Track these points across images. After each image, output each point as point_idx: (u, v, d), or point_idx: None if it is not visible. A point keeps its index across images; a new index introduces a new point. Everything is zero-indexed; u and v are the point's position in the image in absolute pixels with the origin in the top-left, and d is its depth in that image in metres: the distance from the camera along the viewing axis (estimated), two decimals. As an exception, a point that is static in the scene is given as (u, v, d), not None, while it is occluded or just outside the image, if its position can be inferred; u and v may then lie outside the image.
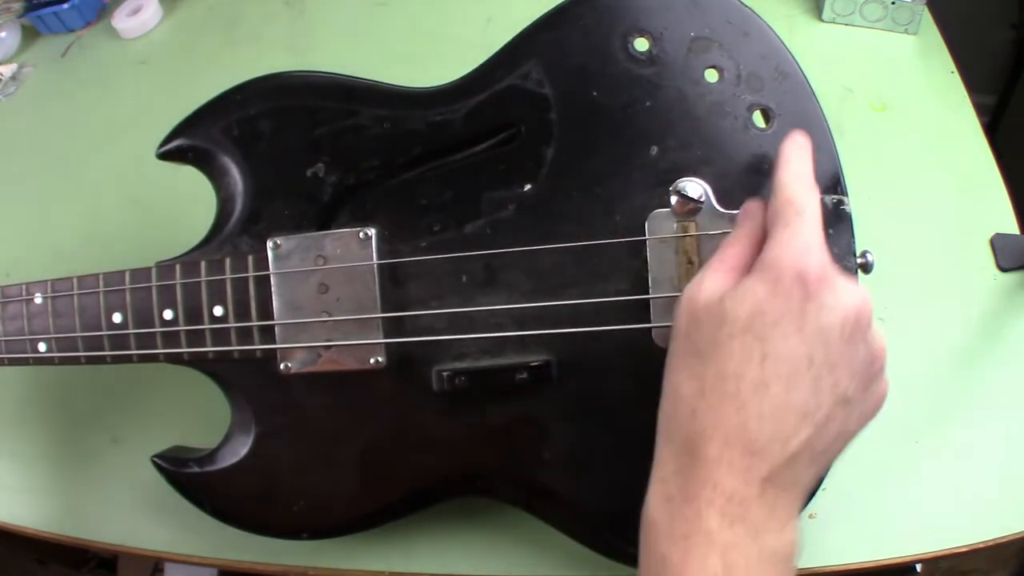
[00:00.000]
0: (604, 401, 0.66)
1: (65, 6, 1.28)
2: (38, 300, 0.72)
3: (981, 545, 0.71)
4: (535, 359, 0.65)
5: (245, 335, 0.68)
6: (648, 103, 0.64)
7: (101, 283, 0.70)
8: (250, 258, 0.68)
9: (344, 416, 0.69)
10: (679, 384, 0.51)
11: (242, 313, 0.68)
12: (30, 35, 1.33)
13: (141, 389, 0.88)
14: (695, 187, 0.62)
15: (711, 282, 0.52)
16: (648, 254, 0.63)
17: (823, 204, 0.59)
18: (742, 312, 0.48)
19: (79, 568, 1.50)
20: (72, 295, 0.71)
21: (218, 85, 0.71)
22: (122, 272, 0.70)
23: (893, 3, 1.01)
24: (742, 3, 0.64)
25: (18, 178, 1.13)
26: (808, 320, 0.47)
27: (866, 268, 0.62)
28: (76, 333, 0.71)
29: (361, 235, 0.67)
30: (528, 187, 0.66)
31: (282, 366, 0.68)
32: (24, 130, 1.20)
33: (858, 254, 0.62)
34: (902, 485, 0.74)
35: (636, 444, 0.59)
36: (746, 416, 0.47)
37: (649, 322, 0.64)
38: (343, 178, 0.68)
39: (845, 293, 0.48)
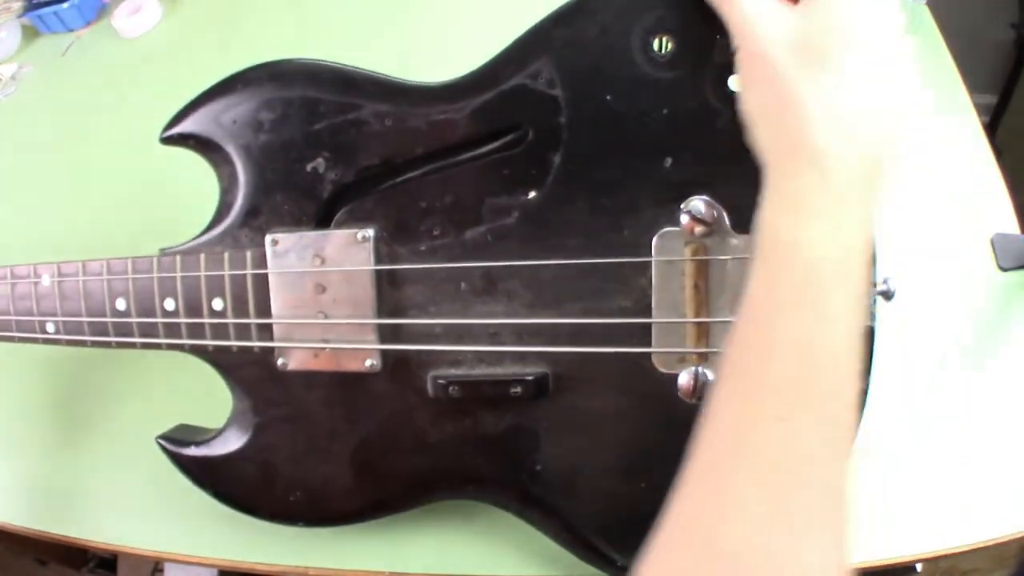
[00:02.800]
0: (600, 417, 0.58)
1: (65, 5, 1.21)
2: (45, 282, 0.66)
3: (981, 545, 0.65)
4: (531, 372, 0.57)
5: (243, 331, 0.61)
6: (665, 110, 0.53)
7: (105, 269, 0.63)
8: (248, 254, 0.60)
9: (340, 413, 0.62)
10: (793, 102, 0.43)
11: (240, 309, 0.61)
12: (30, 35, 1.26)
13: (142, 389, 0.82)
14: (709, 208, 0.52)
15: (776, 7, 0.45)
16: (653, 274, 0.54)
17: None
18: (849, 20, 0.44)
19: (79, 568, 1.45)
20: (78, 279, 0.64)
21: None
22: (125, 260, 0.63)
23: (893, 3, 0.89)
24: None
25: (19, 177, 1.07)
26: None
27: (887, 296, 0.52)
28: (82, 317, 0.65)
29: (359, 236, 0.58)
30: (532, 194, 0.56)
31: (279, 362, 0.61)
32: (24, 129, 1.12)
33: (879, 282, 0.53)
34: (902, 485, 0.68)
35: (629, 461, 0.55)
36: (861, 139, 0.43)
37: (650, 344, 0.55)
38: (343, 175, 0.59)
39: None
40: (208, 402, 0.66)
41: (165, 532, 0.73)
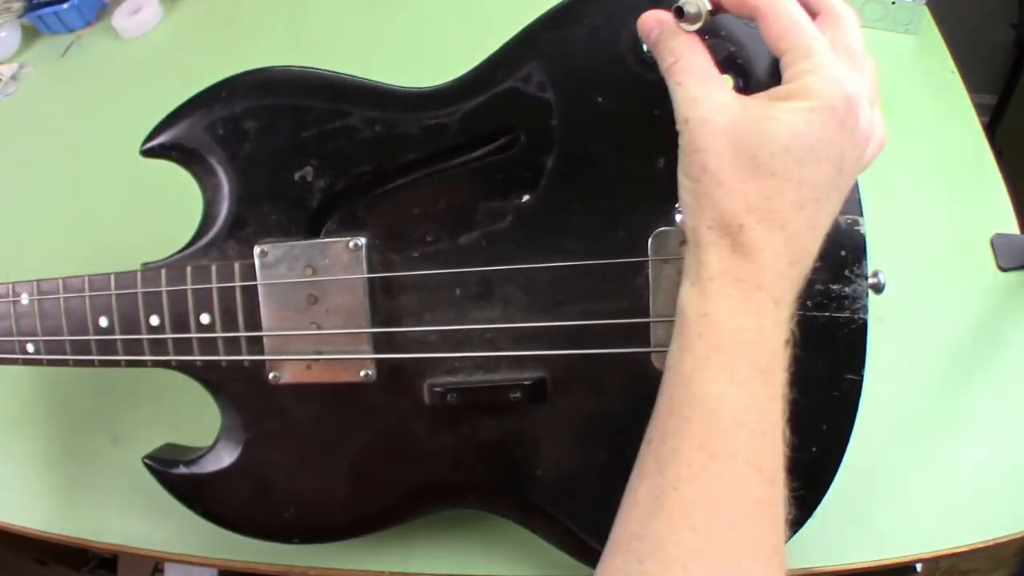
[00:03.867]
0: (599, 419, 0.59)
1: (65, 6, 1.20)
2: (24, 301, 0.65)
3: (981, 545, 0.66)
4: (529, 377, 0.58)
5: (233, 345, 0.61)
6: (656, 111, 0.54)
7: (87, 286, 0.63)
8: (236, 265, 0.60)
9: (334, 426, 0.62)
10: (722, 198, 0.46)
11: (229, 322, 0.61)
12: (30, 35, 1.26)
13: (141, 390, 0.82)
14: None
15: (722, 97, 0.47)
16: (650, 274, 0.56)
17: (837, 224, 0.52)
18: (783, 136, 0.45)
19: (79, 568, 1.45)
20: (58, 297, 0.63)
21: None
22: (107, 275, 0.62)
23: (893, 3, 0.94)
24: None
25: (17, 178, 1.07)
26: (840, 146, 0.46)
27: (877, 289, 0.55)
28: (63, 336, 0.64)
29: (351, 245, 0.59)
30: (526, 198, 0.57)
31: (271, 376, 0.61)
32: (24, 130, 1.12)
33: (869, 274, 0.54)
34: (902, 485, 0.69)
35: (630, 462, 0.53)
36: (789, 233, 0.46)
37: (648, 344, 0.56)
38: (332, 183, 0.59)
39: (870, 121, 0.47)
40: (208, 408, 0.65)
41: (165, 532, 0.74)
